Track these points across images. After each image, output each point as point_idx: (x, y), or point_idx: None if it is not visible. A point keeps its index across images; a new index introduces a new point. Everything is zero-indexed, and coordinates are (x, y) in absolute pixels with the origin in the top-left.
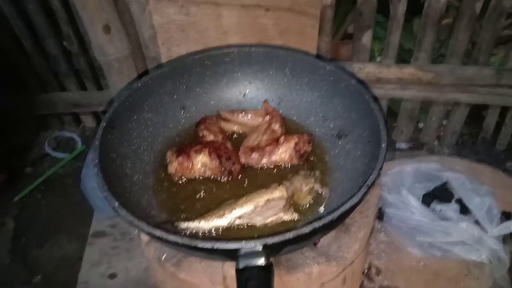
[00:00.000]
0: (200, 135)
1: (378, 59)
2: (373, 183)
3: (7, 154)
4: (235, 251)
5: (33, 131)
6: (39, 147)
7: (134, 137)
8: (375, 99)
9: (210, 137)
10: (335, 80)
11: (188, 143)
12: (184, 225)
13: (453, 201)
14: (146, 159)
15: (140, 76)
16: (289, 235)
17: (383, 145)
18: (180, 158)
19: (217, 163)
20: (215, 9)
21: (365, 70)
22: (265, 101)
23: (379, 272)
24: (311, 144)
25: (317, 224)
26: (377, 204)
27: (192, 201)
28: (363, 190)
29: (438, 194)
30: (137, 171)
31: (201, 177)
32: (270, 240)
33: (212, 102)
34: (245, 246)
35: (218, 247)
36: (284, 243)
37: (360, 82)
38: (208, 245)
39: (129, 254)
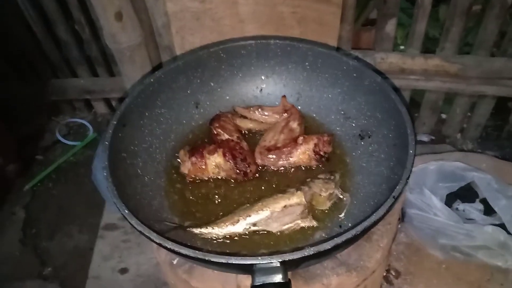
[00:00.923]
0: (215, 133)
1: (402, 47)
2: (399, 195)
3: (19, 142)
4: (251, 265)
5: (44, 118)
6: (51, 133)
7: (146, 135)
8: (399, 94)
9: (225, 136)
10: (359, 76)
11: (201, 142)
12: (197, 230)
13: (477, 200)
14: (158, 158)
15: (154, 69)
16: (309, 251)
17: (411, 151)
18: (193, 158)
19: (232, 164)
20: None
21: (388, 60)
22: (283, 97)
23: (399, 275)
24: (331, 145)
25: (339, 240)
26: (400, 210)
27: (205, 204)
28: (389, 202)
29: (462, 194)
30: (148, 171)
31: (215, 178)
32: (289, 257)
33: (227, 97)
34: (261, 262)
35: (233, 262)
36: (303, 259)
37: (385, 78)
38: (222, 260)
39: (140, 248)
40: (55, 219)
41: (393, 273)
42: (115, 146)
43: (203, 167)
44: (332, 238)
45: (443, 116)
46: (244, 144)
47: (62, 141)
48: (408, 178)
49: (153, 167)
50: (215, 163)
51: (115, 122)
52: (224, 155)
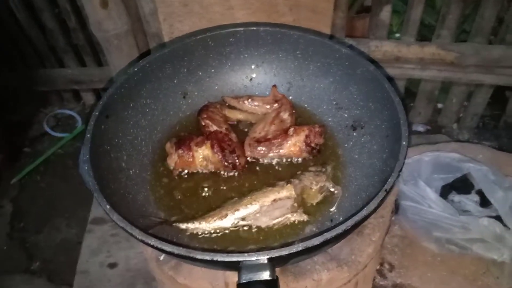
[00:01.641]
0: (203, 125)
1: (397, 35)
2: (391, 187)
3: (6, 132)
4: (237, 263)
5: (32, 108)
6: (38, 125)
7: (130, 127)
8: (393, 84)
9: (213, 127)
10: (351, 65)
11: (189, 134)
12: (183, 226)
13: (473, 192)
14: (143, 150)
15: (141, 55)
16: (297, 247)
17: (404, 142)
18: (180, 151)
19: (220, 157)
20: None
21: (383, 48)
22: (274, 86)
23: (393, 268)
24: (323, 136)
25: (328, 235)
26: (393, 202)
27: (193, 198)
28: (380, 195)
29: (457, 186)
30: (133, 164)
31: (202, 172)
32: (276, 253)
33: (216, 87)
34: (248, 258)
35: (218, 259)
36: (291, 255)
37: (379, 67)
38: (207, 257)
39: (130, 242)
40: (43, 212)
41: (387, 267)
42: (97, 139)
43: (190, 160)
44: (322, 233)
45: (439, 105)
46: (233, 135)
47: (50, 133)
48: (400, 171)
49: (139, 160)
50: (202, 156)
51: (97, 113)
52: (212, 147)
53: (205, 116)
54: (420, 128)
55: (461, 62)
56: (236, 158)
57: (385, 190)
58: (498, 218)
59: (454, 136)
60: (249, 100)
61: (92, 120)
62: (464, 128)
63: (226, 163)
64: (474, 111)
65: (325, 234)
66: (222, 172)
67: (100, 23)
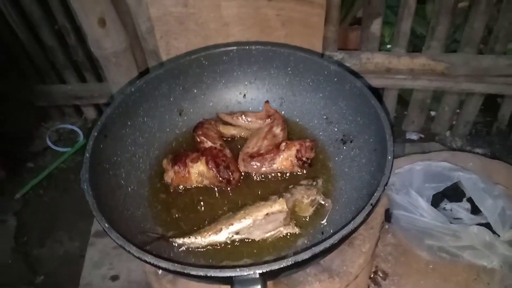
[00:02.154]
0: (198, 141)
1: (388, 46)
2: (377, 201)
3: (8, 147)
4: (230, 278)
5: (34, 123)
6: (41, 139)
7: (128, 144)
8: (379, 99)
9: (208, 143)
10: (340, 81)
11: (184, 151)
12: (180, 240)
13: (464, 199)
14: (141, 167)
15: (141, 74)
16: (287, 261)
17: (389, 157)
18: (176, 167)
19: (215, 172)
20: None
21: (374, 60)
22: (266, 102)
23: (386, 276)
24: (313, 150)
25: (317, 249)
26: (383, 213)
27: (189, 213)
28: (366, 209)
29: (449, 194)
30: (131, 181)
31: (198, 187)
32: (267, 268)
33: (211, 104)
34: (240, 273)
35: (211, 275)
36: (282, 269)
37: (366, 85)
38: (201, 272)
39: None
40: (46, 226)
41: (381, 275)
42: (96, 158)
43: (186, 175)
44: (312, 246)
45: (432, 113)
46: (227, 151)
47: (52, 147)
48: (386, 185)
49: (136, 177)
50: (198, 171)
51: (96, 134)
52: (207, 163)
53: (200, 132)
54: (414, 136)
55: (452, 72)
56: (230, 173)
57: (371, 204)
58: (488, 225)
59: (448, 144)
60: (243, 116)
61: (91, 140)
62: (457, 135)
63: (220, 178)
64: (466, 119)
65: (313, 248)
66: (217, 187)
67: (98, 41)
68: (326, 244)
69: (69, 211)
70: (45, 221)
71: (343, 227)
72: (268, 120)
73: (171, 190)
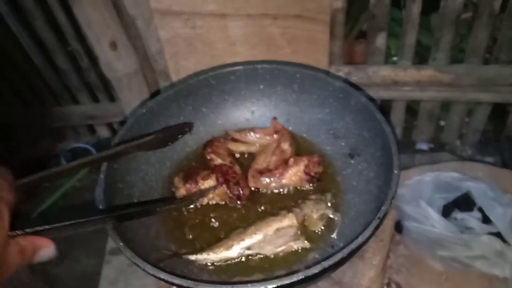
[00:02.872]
0: (208, 159)
1: (395, 58)
2: (385, 215)
3: (24, 168)
4: None
5: (49, 144)
6: (56, 159)
7: (141, 164)
8: (384, 113)
9: (218, 161)
10: (345, 97)
11: (195, 168)
12: (192, 257)
13: (475, 209)
14: (154, 185)
15: (152, 94)
16: (298, 276)
17: (395, 171)
18: (188, 185)
19: (225, 189)
20: (221, 20)
21: (380, 73)
22: (274, 118)
23: (399, 287)
24: (321, 165)
25: (326, 264)
26: (393, 226)
27: (201, 230)
28: (374, 223)
29: (459, 204)
30: (145, 199)
31: (209, 204)
32: (279, 283)
33: (220, 122)
34: None
35: None
36: (293, 284)
37: (371, 99)
38: None
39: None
40: (63, 244)
41: (394, 286)
42: (110, 178)
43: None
44: (323, 260)
45: (442, 123)
46: (237, 168)
47: None
48: (392, 199)
49: (150, 195)
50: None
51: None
52: (217, 180)
53: (210, 150)
54: (424, 146)
55: (458, 82)
56: (240, 189)
57: (378, 218)
58: (500, 234)
59: (458, 153)
60: (251, 132)
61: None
62: (467, 144)
63: (231, 195)
64: (475, 127)
65: (323, 263)
66: (228, 203)
67: (110, 64)
68: (336, 258)
69: None
70: (62, 240)
71: (352, 241)
72: (276, 136)
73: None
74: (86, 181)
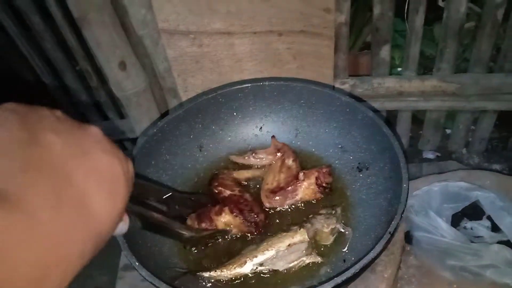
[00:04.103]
0: (216, 192)
1: (399, 69)
2: (396, 229)
3: None
4: None
5: None
6: None
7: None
8: (391, 127)
9: (227, 192)
10: (352, 111)
11: (205, 206)
12: (206, 274)
13: (484, 217)
14: None
15: (162, 113)
16: None
17: (405, 185)
18: (203, 224)
19: (242, 219)
20: (228, 38)
21: (385, 85)
22: (273, 137)
23: None
24: (331, 175)
25: (339, 279)
26: (403, 239)
27: (214, 247)
28: (385, 238)
29: (469, 213)
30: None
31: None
32: None
33: (229, 138)
34: None
35: None
36: None
37: (376, 112)
38: None
39: None
40: None
41: None
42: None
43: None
44: (335, 275)
45: (448, 131)
46: (247, 195)
47: None
48: (403, 213)
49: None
50: (224, 222)
51: None
52: (231, 212)
53: (216, 184)
54: (430, 156)
55: (463, 92)
56: (255, 216)
57: (389, 233)
58: (510, 242)
59: (464, 161)
60: (254, 154)
61: None
62: (473, 152)
63: (248, 223)
64: (481, 136)
65: (335, 279)
66: (247, 233)
67: (119, 83)
68: (348, 274)
69: None
70: None
71: (364, 255)
72: (279, 154)
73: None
74: None
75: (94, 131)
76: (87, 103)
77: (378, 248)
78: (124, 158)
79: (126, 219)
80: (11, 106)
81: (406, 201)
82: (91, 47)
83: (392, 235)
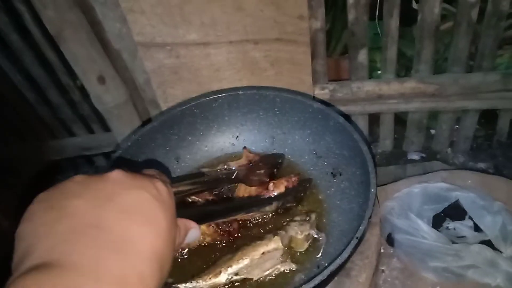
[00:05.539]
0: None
1: (379, 72)
2: (363, 234)
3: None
4: None
5: (49, 176)
6: None
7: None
8: (363, 136)
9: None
10: (324, 118)
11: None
12: (182, 286)
13: (467, 217)
14: None
15: (144, 123)
16: None
17: (372, 190)
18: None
19: (215, 228)
20: (204, 48)
21: (364, 88)
22: (244, 148)
23: None
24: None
25: (307, 287)
26: (378, 242)
27: (190, 257)
28: (352, 243)
29: (450, 213)
30: None
31: (201, 245)
32: None
33: (206, 148)
34: None
35: None
36: None
37: (347, 117)
38: None
39: None
40: None
41: None
42: None
43: None
44: (305, 282)
45: (432, 131)
46: None
47: None
48: (370, 218)
49: None
50: None
51: None
52: None
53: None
54: (415, 156)
55: (442, 92)
56: (229, 224)
57: (356, 238)
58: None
59: (450, 161)
60: (225, 166)
61: None
62: (458, 151)
63: (221, 232)
64: (465, 135)
65: (304, 286)
66: (220, 241)
67: (100, 97)
68: (316, 281)
69: None
70: None
71: (330, 263)
72: (250, 165)
73: (176, 256)
74: None
75: (114, 175)
76: (72, 117)
77: (345, 253)
78: (149, 184)
79: (194, 225)
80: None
81: (374, 205)
82: (70, 62)
83: (360, 240)
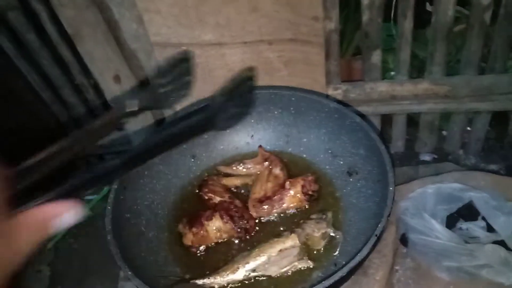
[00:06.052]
0: (206, 198)
1: (392, 73)
2: (382, 232)
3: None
4: None
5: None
6: None
7: (147, 193)
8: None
9: (217, 199)
10: (340, 117)
11: (196, 210)
12: (200, 282)
13: (480, 218)
14: (160, 213)
15: (157, 122)
16: None
17: (391, 188)
18: (194, 229)
19: (232, 224)
20: (219, 49)
21: (378, 89)
22: (260, 147)
23: None
24: (317, 183)
25: (327, 283)
26: (395, 240)
27: (208, 253)
28: (371, 241)
29: (463, 214)
30: (152, 227)
31: (218, 242)
32: None
33: (222, 147)
34: None
35: None
36: None
37: (363, 117)
38: None
39: None
40: (78, 273)
41: None
42: (117, 209)
43: (205, 234)
44: (324, 279)
45: (444, 133)
46: (237, 201)
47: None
48: (389, 216)
49: (156, 222)
50: (215, 228)
51: (115, 187)
52: (222, 217)
53: (206, 190)
54: (427, 158)
55: (455, 94)
56: (246, 222)
57: (376, 235)
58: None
59: (461, 162)
60: (241, 164)
61: (111, 193)
62: (470, 153)
63: (238, 229)
64: (477, 136)
65: (324, 282)
66: (236, 239)
67: (115, 96)
68: (335, 277)
69: (99, 256)
70: (77, 268)
71: (350, 261)
72: (266, 163)
73: (193, 252)
74: (98, 209)
75: None
76: (85, 116)
77: (365, 251)
78: None
79: (64, 209)
80: None
81: (392, 204)
82: (86, 62)
83: (379, 238)
